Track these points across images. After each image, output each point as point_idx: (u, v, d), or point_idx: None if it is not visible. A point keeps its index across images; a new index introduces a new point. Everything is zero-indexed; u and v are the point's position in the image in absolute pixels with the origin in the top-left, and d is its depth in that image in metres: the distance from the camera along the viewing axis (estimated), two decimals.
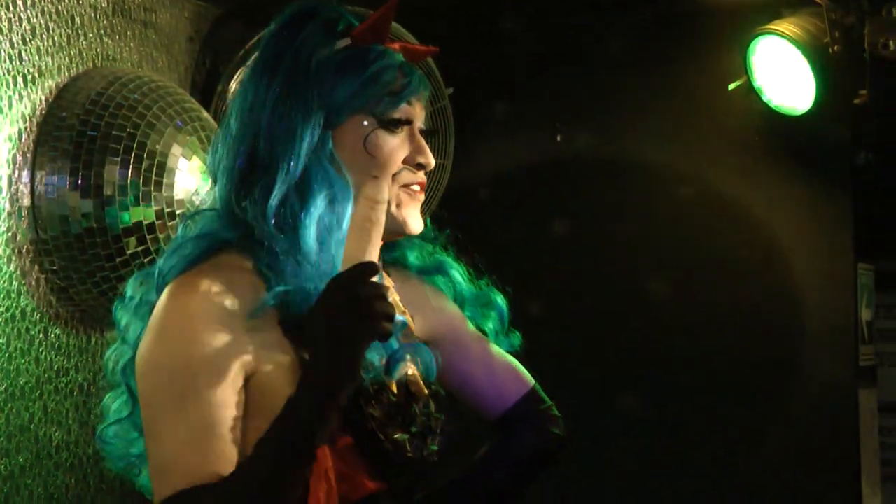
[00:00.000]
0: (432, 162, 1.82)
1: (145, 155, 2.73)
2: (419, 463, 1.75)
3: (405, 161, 1.79)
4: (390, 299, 1.61)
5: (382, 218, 1.64)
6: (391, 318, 1.58)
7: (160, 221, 2.74)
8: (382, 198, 1.65)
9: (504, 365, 1.99)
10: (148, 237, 2.73)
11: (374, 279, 1.59)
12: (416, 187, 1.81)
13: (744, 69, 3.36)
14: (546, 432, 1.99)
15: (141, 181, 2.72)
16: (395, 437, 1.72)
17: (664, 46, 3.64)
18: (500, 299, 2.01)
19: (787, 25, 3.24)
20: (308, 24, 1.77)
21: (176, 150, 2.78)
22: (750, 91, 3.38)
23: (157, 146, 2.75)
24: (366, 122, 1.76)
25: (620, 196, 3.71)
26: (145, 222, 2.72)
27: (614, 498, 3.61)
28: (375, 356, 1.71)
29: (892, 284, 4.05)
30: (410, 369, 1.80)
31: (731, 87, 3.40)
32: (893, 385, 4.25)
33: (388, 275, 1.90)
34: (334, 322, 1.56)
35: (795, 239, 3.53)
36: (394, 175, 1.77)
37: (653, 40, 3.66)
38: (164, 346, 1.65)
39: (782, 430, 3.50)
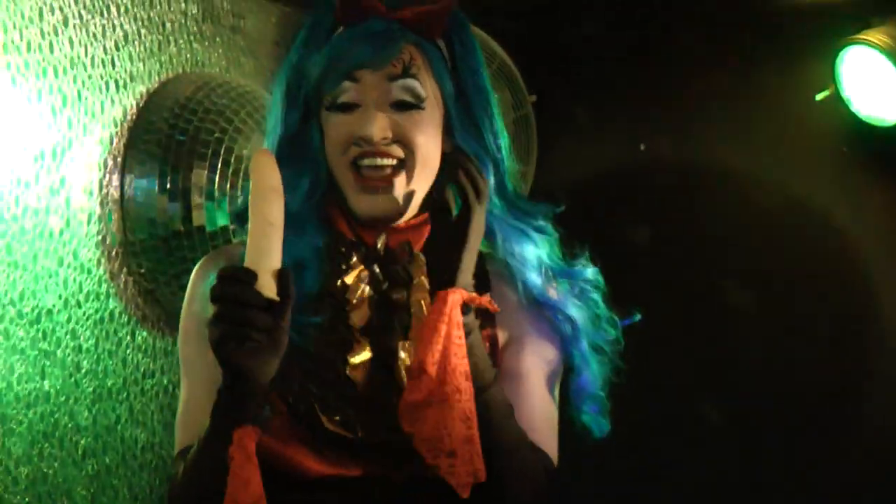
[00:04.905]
0: (370, 133, 1.70)
1: (232, 159, 2.75)
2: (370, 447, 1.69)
3: (349, 139, 1.73)
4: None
5: (261, 205, 1.56)
6: (225, 318, 1.53)
7: None
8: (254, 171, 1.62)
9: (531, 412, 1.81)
10: (234, 240, 2.74)
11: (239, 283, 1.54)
12: (368, 161, 1.72)
13: (832, 79, 3.32)
14: None
15: (228, 185, 2.74)
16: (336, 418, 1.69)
17: (750, 53, 3.60)
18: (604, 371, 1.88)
19: (876, 35, 3.20)
20: (301, 31, 1.81)
21: None
22: (838, 101, 3.34)
23: (245, 151, 2.77)
24: (325, 109, 1.77)
25: (703, 203, 3.68)
26: (231, 226, 2.74)
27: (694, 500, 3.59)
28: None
29: None
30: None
31: (818, 97, 3.36)
32: None
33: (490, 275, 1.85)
34: None
35: (881, 249, 3.49)
36: (346, 157, 1.74)
37: (739, 47, 3.62)
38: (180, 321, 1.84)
39: (863, 439, 3.46)
